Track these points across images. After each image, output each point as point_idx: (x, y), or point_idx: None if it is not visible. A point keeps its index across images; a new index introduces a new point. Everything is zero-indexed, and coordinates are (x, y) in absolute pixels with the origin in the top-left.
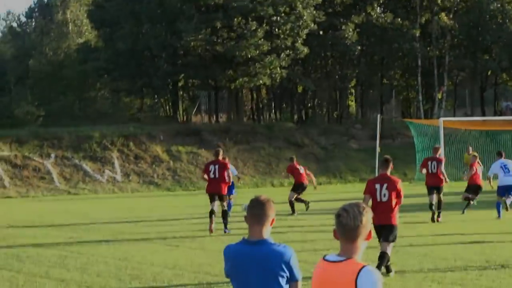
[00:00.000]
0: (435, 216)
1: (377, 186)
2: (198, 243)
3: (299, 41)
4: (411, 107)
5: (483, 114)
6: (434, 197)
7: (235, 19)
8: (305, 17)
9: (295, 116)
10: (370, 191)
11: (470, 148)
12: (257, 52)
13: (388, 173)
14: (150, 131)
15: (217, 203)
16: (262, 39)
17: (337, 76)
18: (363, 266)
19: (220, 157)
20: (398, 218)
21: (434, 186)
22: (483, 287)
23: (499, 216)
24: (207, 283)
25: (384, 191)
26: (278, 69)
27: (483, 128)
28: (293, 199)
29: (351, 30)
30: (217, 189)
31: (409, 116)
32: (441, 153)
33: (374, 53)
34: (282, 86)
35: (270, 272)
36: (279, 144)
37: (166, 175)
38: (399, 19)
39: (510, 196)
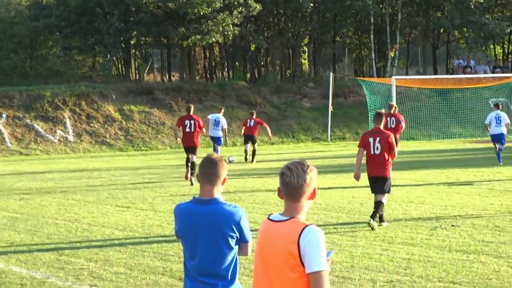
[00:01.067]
0: None
1: (371, 139)
2: (149, 205)
3: None
4: (364, 65)
5: (436, 73)
6: None
7: None
8: None
9: (248, 75)
10: (364, 144)
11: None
12: (209, 9)
13: (381, 127)
14: (102, 90)
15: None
16: None
17: (289, 34)
18: (306, 226)
19: (192, 113)
20: (391, 170)
21: None
22: (433, 246)
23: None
24: (158, 244)
25: (377, 144)
26: (231, 26)
27: (435, 86)
28: (247, 149)
29: None
30: (192, 142)
31: (362, 74)
32: (396, 109)
33: (326, 10)
34: (234, 44)
35: (219, 231)
36: (232, 103)
37: (119, 135)
38: None
39: (501, 144)
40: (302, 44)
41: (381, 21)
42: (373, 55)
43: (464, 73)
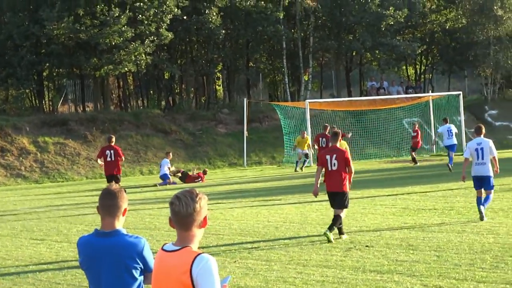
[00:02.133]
0: None
1: (328, 156)
2: (64, 236)
3: (163, 27)
4: (278, 89)
5: (349, 95)
6: None
7: (98, 6)
8: (168, 2)
9: (163, 103)
10: (322, 162)
11: (305, 133)
12: (121, 39)
13: (338, 145)
14: (15, 123)
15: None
16: (125, 26)
17: (203, 61)
18: (198, 254)
19: (113, 143)
20: (348, 186)
21: None
22: (347, 267)
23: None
24: (72, 276)
25: (334, 161)
26: (143, 55)
27: (349, 108)
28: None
29: (214, 14)
30: (113, 170)
31: (276, 99)
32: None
33: (239, 37)
34: (148, 73)
35: (122, 263)
36: (147, 131)
37: (34, 167)
38: (263, 2)
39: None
40: (216, 70)
41: (293, 46)
42: (286, 79)
43: (378, 95)
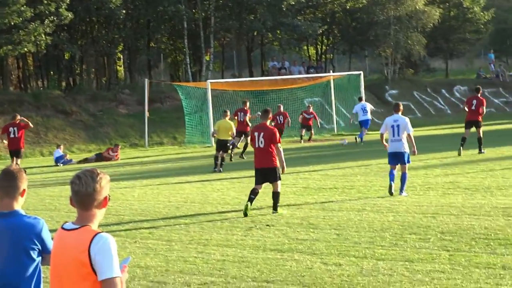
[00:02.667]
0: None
1: (256, 133)
2: None
3: (63, 7)
4: (180, 70)
5: (251, 75)
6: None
7: None
8: None
9: (63, 84)
10: (251, 139)
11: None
12: (20, 19)
13: (268, 123)
14: None
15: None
16: (24, 6)
17: (103, 41)
18: (97, 233)
19: (17, 120)
20: (277, 161)
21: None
22: (248, 246)
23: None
24: None
25: (261, 138)
26: (43, 36)
27: (251, 88)
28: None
29: None
30: (17, 146)
31: (177, 79)
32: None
33: (139, 17)
34: (48, 53)
35: (19, 244)
36: (47, 112)
37: None
38: None
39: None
40: (117, 51)
41: (194, 26)
42: (188, 59)
43: (279, 75)
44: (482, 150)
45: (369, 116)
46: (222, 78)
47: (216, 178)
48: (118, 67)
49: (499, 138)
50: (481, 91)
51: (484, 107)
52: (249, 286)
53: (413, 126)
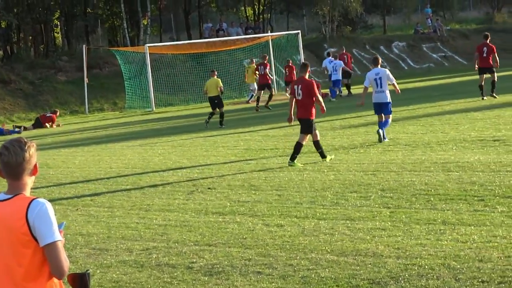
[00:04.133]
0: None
1: (295, 86)
2: None
3: None
4: (118, 35)
5: (189, 38)
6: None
7: None
8: None
9: (0, 52)
10: (291, 91)
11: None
12: None
13: (306, 76)
14: None
15: None
16: None
17: (40, 8)
18: (33, 199)
19: None
20: (313, 113)
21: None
22: (190, 210)
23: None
24: None
25: (299, 91)
26: None
27: (189, 51)
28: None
29: None
30: None
31: (116, 44)
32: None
33: None
34: None
35: None
36: None
37: None
38: None
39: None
40: (53, 18)
41: None
42: (125, 24)
43: (217, 36)
44: (494, 94)
45: (339, 76)
46: (161, 42)
47: (158, 142)
48: (55, 34)
49: (438, 93)
50: (489, 38)
51: (496, 54)
52: (191, 250)
53: (353, 84)
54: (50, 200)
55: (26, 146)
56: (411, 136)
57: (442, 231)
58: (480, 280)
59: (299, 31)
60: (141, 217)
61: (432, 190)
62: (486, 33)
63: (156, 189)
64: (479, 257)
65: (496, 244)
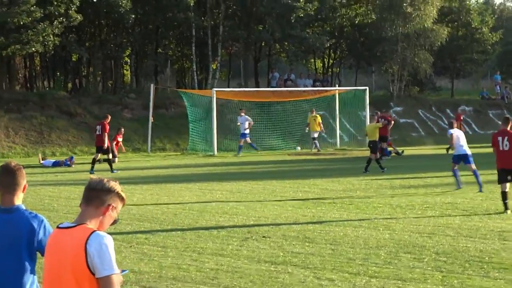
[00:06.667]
0: None
1: (500, 138)
2: None
3: (73, 9)
4: (186, 77)
5: (257, 85)
6: None
7: None
8: None
9: (69, 85)
10: (494, 143)
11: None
12: (29, 18)
13: (509, 128)
14: None
15: None
16: (34, 6)
17: (111, 45)
18: (94, 231)
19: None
20: None
21: None
22: (243, 257)
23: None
24: None
25: (506, 142)
26: (51, 36)
27: (256, 99)
28: None
29: None
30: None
31: (183, 86)
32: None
33: (148, 22)
34: (56, 54)
35: (19, 239)
36: (52, 113)
37: None
38: None
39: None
40: (124, 55)
41: (203, 34)
42: (195, 67)
43: (285, 87)
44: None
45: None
46: (228, 87)
47: (217, 187)
48: (124, 71)
49: None
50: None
51: None
52: None
53: (416, 145)
54: None
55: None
56: (470, 201)
57: None
58: None
59: (367, 87)
60: (193, 259)
61: (486, 258)
62: (507, 116)
63: (211, 233)
64: None
65: None
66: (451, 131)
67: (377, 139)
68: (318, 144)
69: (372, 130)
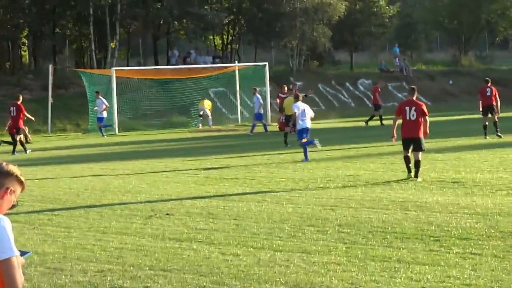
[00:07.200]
0: None
1: (407, 108)
2: None
3: None
4: (85, 56)
5: (156, 64)
6: None
7: None
8: None
9: None
10: (400, 113)
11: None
12: None
13: (414, 98)
14: None
15: None
16: None
17: (8, 26)
18: None
19: None
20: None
21: None
22: (147, 235)
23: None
24: None
25: (413, 112)
26: None
27: (155, 77)
28: None
29: None
30: None
31: (82, 66)
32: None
33: (45, 2)
34: None
35: None
36: None
37: None
38: None
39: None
40: (21, 36)
41: (101, 13)
42: (93, 46)
43: (185, 64)
44: (499, 134)
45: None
46: (127, 65)
47: (119, 166)
48: (22, 52)
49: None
50: (490, 82)
51: (498, 97)
52: (146, 274)
53: (316, 119)
54: (7, 216)
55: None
56: (371, 173)
57: (396, 269)
58: None
59: (267, 63)
60: (97, 239)
61: (389, 228)
62: (487, 78)
63: (114, 212)
64: None
65: (449, 284)
66: (295, 107)
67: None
68: (200, 120)
69: (290, 104)
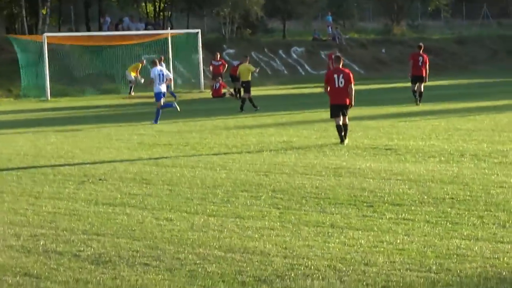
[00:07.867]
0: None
1: (335, 76)
2: None
3: None
4: (16, 23)
5: (88, 30)
6: None
7: None
8: None
9: None
10: (329, 80)
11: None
12: None
13: (341, 66)
14: None
15: None
16: None
17: None
18: None
19: None
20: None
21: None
22: (80, 200)
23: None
24: None
25: (341, 79)
26: None
27: (87, 43)
28: None
29: None
30: None
31: (14, 32)
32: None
33: None
34: None
35: None
36: None
37: None
38: None
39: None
40: None
41: None
42: (24, 12)
43: (117, 31)
44: (419, 103)
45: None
46: (59, 32)
47: (51, 131)
48: None
49: None
50: (423, 48)
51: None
52: (79, 238)
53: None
54: None
55: None
56: (305, 140)
57: (330, 233)
58: (364, 283)
59: (199, 30)
60: (30, 203)
61: (322, 194)
62: (420, 44)
63: (47, 177)
64: (365, 260)
65: (382, 249)
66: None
67: (249, 80)
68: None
69: (244, 70)
